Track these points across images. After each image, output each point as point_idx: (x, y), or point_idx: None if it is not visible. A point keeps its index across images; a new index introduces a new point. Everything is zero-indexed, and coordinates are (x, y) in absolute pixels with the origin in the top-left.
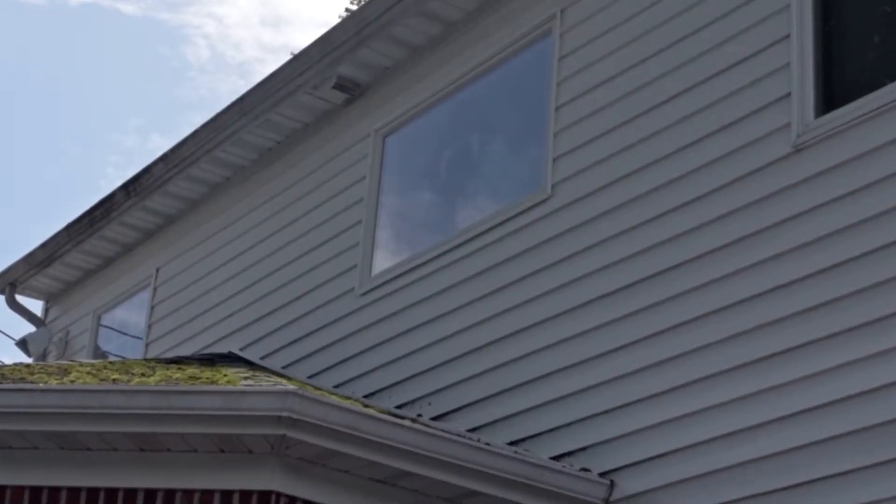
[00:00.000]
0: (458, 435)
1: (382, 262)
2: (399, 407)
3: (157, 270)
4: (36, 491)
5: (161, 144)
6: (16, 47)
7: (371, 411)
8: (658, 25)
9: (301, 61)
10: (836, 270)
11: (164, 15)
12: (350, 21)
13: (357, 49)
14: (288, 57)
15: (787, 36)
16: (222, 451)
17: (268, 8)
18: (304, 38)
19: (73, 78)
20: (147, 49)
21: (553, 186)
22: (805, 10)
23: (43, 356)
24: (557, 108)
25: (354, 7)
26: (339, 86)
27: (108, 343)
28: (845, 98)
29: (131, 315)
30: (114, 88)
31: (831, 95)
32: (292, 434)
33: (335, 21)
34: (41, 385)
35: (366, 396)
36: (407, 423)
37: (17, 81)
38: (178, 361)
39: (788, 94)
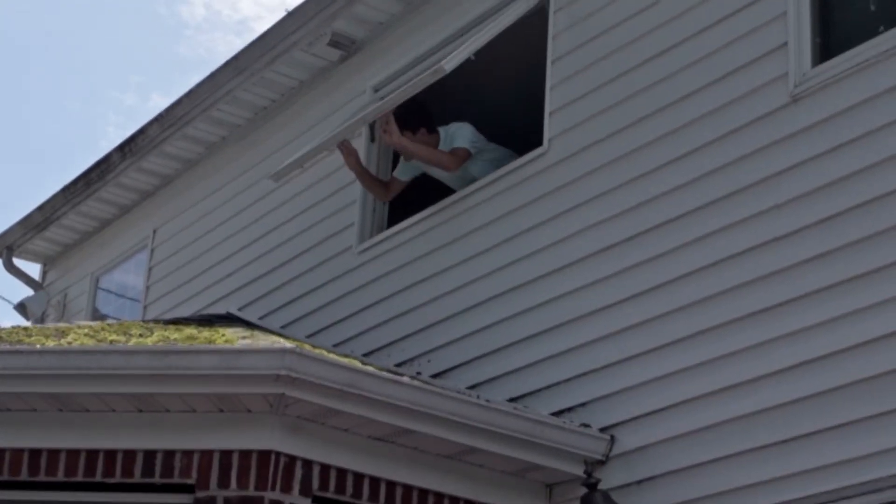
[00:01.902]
0: (458, 392)
1: (380, 219)
2: (398, 365)
3: (154, 231)
4: (35, 453)
5: (161, 104)
6: (11, 3)
7: (370, 369)
8: None
9: (295, 18)
10: (835, 220)
11: None
12: None
13: (352, 4)
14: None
15: None
16: (221, 410)
17: None
18: None
19: (71, 35)
20: (144, 7)
21: (549, 140)
22: None
23: (41, 319)
24: (553, 62)
25: None
26: (334, 42)
27: (107, 305)
28: (842, 47)
29: (129, 277)
30: (113, 46)
31: (828, 44)
32: (291, 393)
33: None
34: (38, 346)
35: (364, 355)
36: (406, 380)
37: (13, 38)
38: (176, 322)
39: (785, 44)
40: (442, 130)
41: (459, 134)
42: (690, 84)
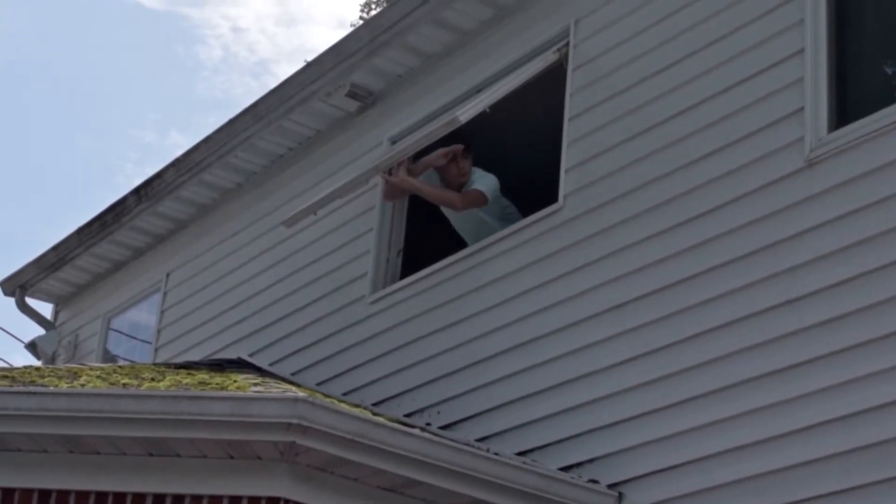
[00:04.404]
0: (467, 444)
1: (393, 270)
2: (408, 415)
3: (168, 275)
4: (45, 494)
5: (179, 141)
6: (34, 38)
7: (380, 419)
8: (671, 38)
9: (315, 69)
10: (850, 284)
11: (185, 9)
12: (364, 29)
13: (371, 57)
14: (301, 58)
15: (801, 50)
16: (231, 456)
17: (282, 8)
18: (317, 39)
19: (91, 71)
20: (161, 47)
21: (565, 197)
22: (819, 24)
23: (52, 359)
24: (570, 120)
25: (369, 9)
26: (353, 93)
27: (118, 347)
28: (858, 113)
29: (141, 318)
30: (131, 85)
31: (844, 110)
32: (301, 441)
33: (349, 22)
34: (51, 388)
35: (375, 404)
36: (416, 431)
37: (35, 73)
38: (188, 366)
39: (802, 109)
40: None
41: (482, 179)
42: (706, 146)
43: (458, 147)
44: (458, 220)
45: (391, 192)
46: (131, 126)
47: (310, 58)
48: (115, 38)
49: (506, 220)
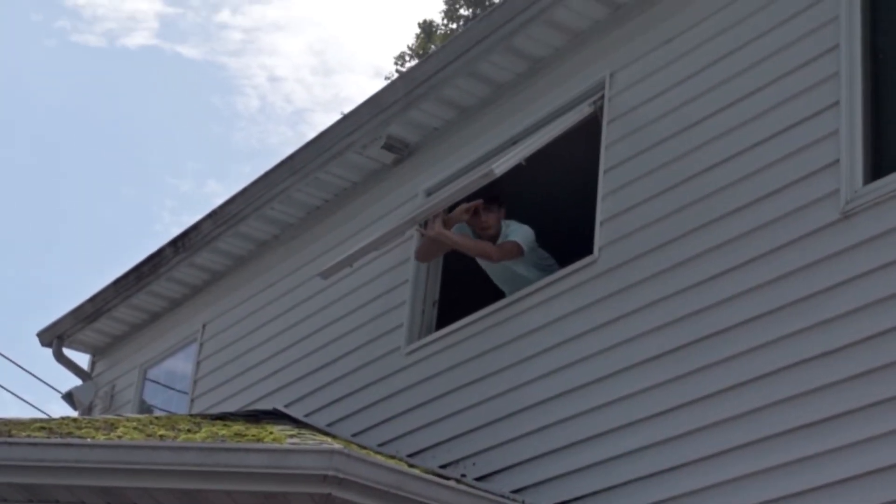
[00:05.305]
0: (503, 496)
1: (429, 321)
2: (443, 467)
3: (204, 326)
4: None
5: (217, 190)
6: (74, 89)
7: (416, 471)
8: (706, 91)
9: (351, 121)
10: (883, 337)
11: (224, 59)
12: (400, 81)
13: (407, 110)
14: (337, 108)
15: (837, 102)
16: None
17: (318, 58)
18: (353, 88)
19: (131, 121)
20: (200, 96)
21: (600, 249)
22: (854, 77)
23: (88, 410)
24: (605, 172)
25: (403, 61)
26: (388, 146)
27: (154, 397)
28: (894, 165)
29: (178, 366)
30: (171, 132)
31: (880, 162)
32: (338, 493)
33: (385, 72)
34: (89, 440)
35: (410, 455)
36: (451, 483)
37: (74, 123)
38: (224, 417)
39: (837, 161)
40: (504, 224)
41: (518, 231)
42: (741, 198)
43: (478, 202)
44: (494, 271)
45: (425, 253)
46: (170, 175)
47: (346, 107)
48: (154, 88)
49: (544, 271)
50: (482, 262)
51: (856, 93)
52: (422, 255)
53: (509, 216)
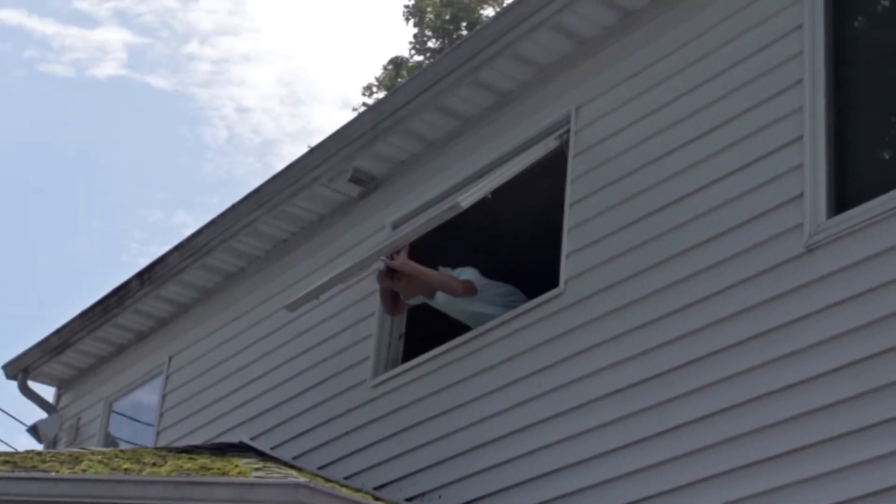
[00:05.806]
0: None
1: (395, 354)
2: (409, 499)
3: (170, 358)
4: None
5: (185, 220)
6: (42, 119)
7: None
8: (671, 125)
9: (317, 154)
10: (848, 370)
11: (192, 90)
12: (367, 115)
13: (373, 143)
14: (305, 139)
15: (801, 137)
16: None
17: (287, 89)
18: (321, 119)
19: (98, 151)
20: (168, 127)
21: (566, 282)
22: (818, 110)
23: (54, 443)
24: (571, 205)
25: (370, 92)
26: (355, 178)
27: (120, 429)
28: (857, 199)
29: (143, 401)
30: (139, 163)
31: (843, 196)
32: None
33: (353, 103)
34: (53, 474)
35: (376, 488)
36: None
37: (42, 153)
38: (190, 451)
39: (801, 195)
40: (445, 270)
41: (465, 271)
42: (706, 231)
43: (415, 268)
44: (454, 311)
45: (391, 306)
46: (137, 206)
47: (314, 138)
48: (123, 118)
49: (505, 305)
50: (438, 302)
51: (819, 127)
52: (389, 308)
53: (476, 249)
